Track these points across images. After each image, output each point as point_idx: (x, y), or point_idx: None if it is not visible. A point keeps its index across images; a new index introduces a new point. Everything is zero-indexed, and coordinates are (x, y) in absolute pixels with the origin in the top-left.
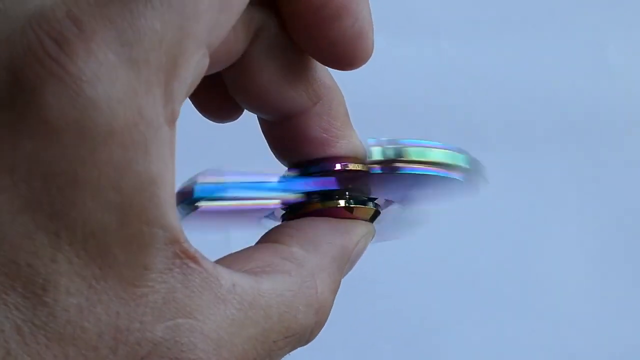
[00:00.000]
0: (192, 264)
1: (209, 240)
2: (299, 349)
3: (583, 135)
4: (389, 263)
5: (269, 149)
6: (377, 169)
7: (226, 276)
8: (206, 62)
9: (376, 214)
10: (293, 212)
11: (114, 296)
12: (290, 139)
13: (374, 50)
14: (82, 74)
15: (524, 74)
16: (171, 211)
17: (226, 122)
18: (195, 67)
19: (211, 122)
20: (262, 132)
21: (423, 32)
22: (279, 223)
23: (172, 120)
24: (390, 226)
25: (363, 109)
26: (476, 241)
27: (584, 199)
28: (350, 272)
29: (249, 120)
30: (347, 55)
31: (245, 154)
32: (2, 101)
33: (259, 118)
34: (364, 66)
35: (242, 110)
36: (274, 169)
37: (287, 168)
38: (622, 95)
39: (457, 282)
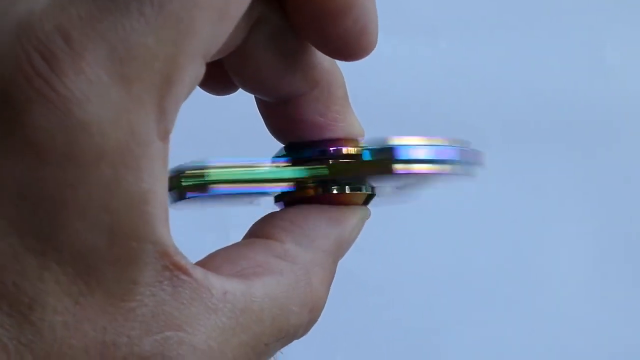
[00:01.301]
0: (182, 276)
1: (207, 239)
2: (299, 350)
3: (581, 134)
4: (389, 262)
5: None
6: (372, 172)
7: (217, 285)
8: (202, 71)
9: (370, 197)
10: (286, 194)
11: (100, 312)
12: (287, 121)
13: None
14: (72, 95)
15: (521, 73)
16: (162, 225)
17: (223, 95)
18: (190, 79)
19: (208, 94)
20: (259, 110)
21: (421, 31)
22: (271, 205)
23: (165, 135)
24: (384, 196)
25: (360, 108)
26: (475, 240)
27: (581, 197)
28: (350, 272)
29: (246, 96)
30: (349, 48)
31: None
32: None
33: (256, 97)
34: (361, 65)
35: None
36: (265, 154)
37: (282, 145)
38: (619, 94)
39: (455, 281)
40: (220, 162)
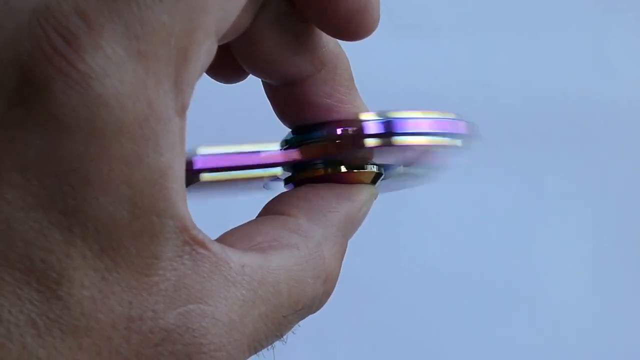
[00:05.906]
0: (201, 250)
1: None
2: (301, 349)
3: (583, 134)
4: (389, 261)
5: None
6: (374, 144)
7: (235, 258)
8: (215, 48)
9: (378, 176)
10: (296, 176)
11: (126, 287)
12: (294, 104)
13: (373, 49)
14: (91, 71)
15: (524, 72)
16: (180, 200)
17: (233, 83)
18: (204, 56)
19: (217, 82)
20: (267, 95)
21: (423, 30)
22: (282, 187)
23: (182, 111)
24: (397, 180)
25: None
26: (475, 240)
27: (583, 197)
28: (351, 271)
29: (254, 83)
30: (352, 27)
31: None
32: (12, 99)
33: (263, 82)
34: (363, 63)
35: (248, 73)
36: (274, 139)
37: (289, 130)
38: (622, 94)
39: (455, 280)
40: (208, 150)
